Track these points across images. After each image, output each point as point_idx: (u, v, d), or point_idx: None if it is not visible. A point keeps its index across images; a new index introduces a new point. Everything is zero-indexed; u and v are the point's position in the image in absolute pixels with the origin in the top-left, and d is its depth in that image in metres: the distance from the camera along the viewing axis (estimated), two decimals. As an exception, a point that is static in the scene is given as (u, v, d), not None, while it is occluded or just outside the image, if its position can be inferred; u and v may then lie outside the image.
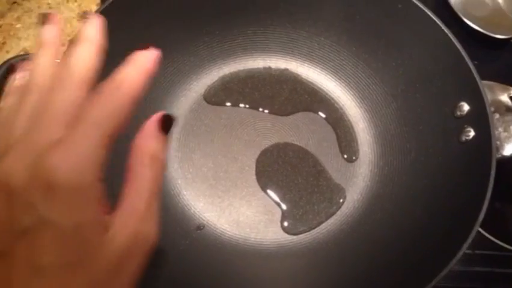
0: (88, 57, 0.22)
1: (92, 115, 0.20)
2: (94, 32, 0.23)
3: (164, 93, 0.48)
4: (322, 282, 0.40)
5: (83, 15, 0.24)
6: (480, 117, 0.39)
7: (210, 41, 0.49)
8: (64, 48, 0.23)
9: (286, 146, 0.47)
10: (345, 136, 0.48)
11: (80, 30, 0.23)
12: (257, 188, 0.45)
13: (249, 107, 0.49)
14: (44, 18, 0.24)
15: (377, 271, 0.39)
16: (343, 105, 0.50)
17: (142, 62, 0.23)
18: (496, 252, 0.45)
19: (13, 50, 0.50)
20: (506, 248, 0.45)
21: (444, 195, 0.40)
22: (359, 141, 0.48)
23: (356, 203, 0.45)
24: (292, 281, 0.42)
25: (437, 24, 0.43)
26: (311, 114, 0.49)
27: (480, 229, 0.45)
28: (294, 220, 0.44)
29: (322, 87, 0.51)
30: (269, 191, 0.45)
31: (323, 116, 0.49)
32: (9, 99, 0.23)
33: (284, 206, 0.45)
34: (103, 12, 0.41)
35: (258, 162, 0.46)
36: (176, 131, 0.47)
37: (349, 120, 0.49)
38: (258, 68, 0.51)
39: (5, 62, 0.40)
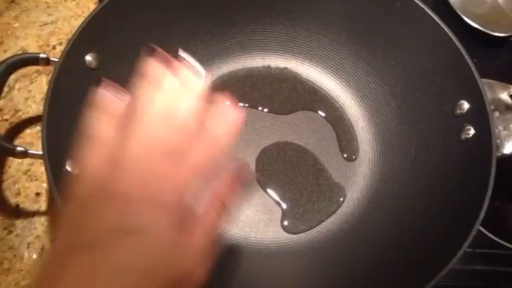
0: (194, 106, 0.25)
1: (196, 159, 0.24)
2: (199, 83, 0.27)
3: (163, 93, 0.48)
4: (322, 281, 0.40)
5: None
6: (480, 116, 0.39)
7: (209, 40, 0.49)
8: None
9: (286, 145, 0.47)
10: (345, 135, 0.48)
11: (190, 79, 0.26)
12: (257, 187, 0.45)
13: (249, 106, 0.49)
14: (150, 51, 0.26)
15: (377, 270, 0.39)
16: (343, 104, 0.50)
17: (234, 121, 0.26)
18: (496, 250, 0.45)
19: (11, 49, 0.50)
20: (506, 247, 0.45)
21: (445, 193, 0.40)
22: (359, 140, 0.48)
23: (356, 202, 0.45)
24: (292, 279, 0.41)
25: (437, 23, 0.42)
26: (311, 113, 0.49)
27: (481, 227, 0.45)
28: (294, 219, 0.44)
29: (322, 86, 0.50)
30: (269, 190, 0.45)
31: (323, 114, 0.49)
32: (106, 126, 0.25)
33: (284, 205, 0.45)
34: (101, 11, 0.40)
35: (258, 161, 0.46)
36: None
37: (349, 119, 0.49)
38: (257, 67, 0.51)
39: (3, 62, 0.39)
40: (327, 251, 0.43)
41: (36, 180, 0.44)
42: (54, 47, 0.51)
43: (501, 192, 0.39)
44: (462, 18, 0.56)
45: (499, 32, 0.56)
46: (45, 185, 0.44)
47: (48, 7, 0.54)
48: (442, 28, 0.42)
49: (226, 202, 0.25)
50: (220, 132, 0.26)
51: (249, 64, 0.51)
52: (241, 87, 0.50)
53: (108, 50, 0.42)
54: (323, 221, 0.44)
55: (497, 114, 0.47)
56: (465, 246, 0.34)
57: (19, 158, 0.37)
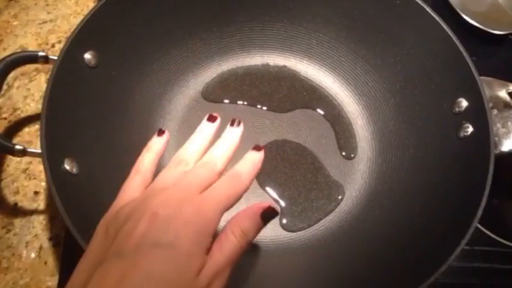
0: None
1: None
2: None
3: (162, 91, 0.48)
4: (321, 279, 0.40)
5: None
6: (478, 113, 0.39)
7: (208, 38, 0.49)
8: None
9: (284, 143, 0.47)
10: (343, 133, 0.48)
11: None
12: (255, 185, 0.45)
13: (247, 104, 0.49)
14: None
15: (375, 267, 0.39)
16: (341, 102, 0.50)
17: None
18: (494, 248, 0.45)
19: (10, 48, 0.50)
20: (504, 244, 0.45)
21: (443, 191, 0.40)
22: (358, 138, 0.48)
23: (355, 200, 0.45)
24: (291, 277, 0.42)
25: (436, 20, 0.42)
26: (309, 111, 0.49)
27: (479, 225, 0.45)
28: (292, 217, 0.44)
29: (320, 84, 0.50)
30: (268, 188, 0.45)
31: (322, 112, 0.49)
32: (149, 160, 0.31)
33: (283, 203, 0.45)
34: (100, 9, 0.40)
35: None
36: (173, 128, 0.47)
37: (347, 117, 0.49)
38: (256, 65, 0.51)
39: (1, 60, 0.39)
40: (326, 248, 0.43)
41: (34, 178, 0.44)
42: (53, 45, 0.51)
43: (499, 190, 0.39)
44: (461, 16, 0.56)
45: (498, 30, 0.56)
46: (43, 183, 0.44)
47: (47, 5, 0.54)
48: (441, 26, 0.42)
49: (245, 231, 0.27)
50: (243, 169, 0.29)
51: (247, 62, 0.51)
52: (240, 85, 0.50)
53: (107, 48, 0.42)
54: (321, 219, 0.44)
55: (495, 112, 0.47)
56: (463, 244, 0.34)
57: (18, 156, 0.37)
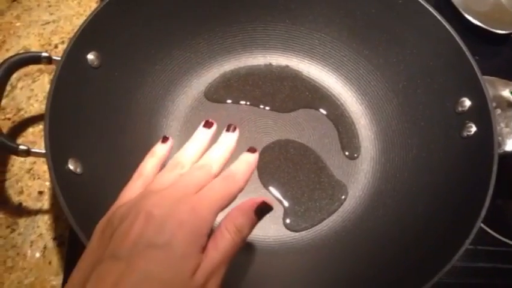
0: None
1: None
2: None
3: (165, 91, 0.48)
4: (324, 279, 0.40)
5: None
6: (482, 113, 0.39)
7: (210, 38, 0.49)
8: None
9: (287, 143, 0.47)
10: (346, 133, 0.48)
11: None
12: (259, 184, 0.45)
13: (250, 104, 0.49)
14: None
15: (379, 267, 0.39)
16: (344, 101, 0.50)
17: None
18: (498, 247, 0.45)
19: (13, 49, 0.50)
20: (508, 244, 0.45)
21: (446, 191, 0.40)
22: (361, 138, 0.48)
23: (358, 200, 0.45)
24: (294, 277, 0.42)
25: (438, 20, 0.42)
26: (312, 111, 0.49)
27: (482, 225, 0.45)
28: (296, 217, 0.44)
29: (323, 84, 0.50)
30: (271, 188, 0.45)
31: (324, 112, 0.49)
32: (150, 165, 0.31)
33: (286, 203, 0.45)
34: (102, 10, 0.40)
35: (260, 159, 0.46)
36: (176, 128, 0.47)
37: (350, 116, 0.49)
38: (258, 65, 0.51)
39: (5, 61, 0.40)
40: (329, 248, 0.43)
41: (39, 178, 0.44)
42: (56, 46, 0.51)
43: (503, 190, 0.39)
44: (464, 16, 0.56)
45: (501, 30, 0.56)
46: (48, 183, 0.44)
47: (50, 6, 0.54)
48: (444, 25, 0.42)
49: (240, 227, 0.27)
50: (237, 170, 0.29)
51: (250, 62, 0.51)
52: (242, 85, 0.50)
53: (110, 49, 0.42)
54: (324, 219, 0.44)
55: (499, 111, 0.47)
56: (467, 244, 0.34)
57: (22, 156, 0.38)
